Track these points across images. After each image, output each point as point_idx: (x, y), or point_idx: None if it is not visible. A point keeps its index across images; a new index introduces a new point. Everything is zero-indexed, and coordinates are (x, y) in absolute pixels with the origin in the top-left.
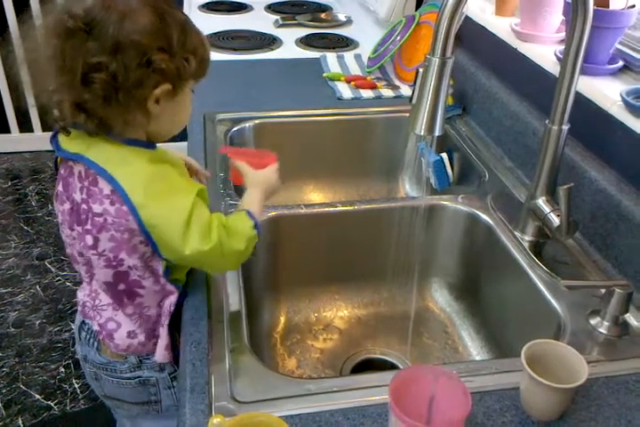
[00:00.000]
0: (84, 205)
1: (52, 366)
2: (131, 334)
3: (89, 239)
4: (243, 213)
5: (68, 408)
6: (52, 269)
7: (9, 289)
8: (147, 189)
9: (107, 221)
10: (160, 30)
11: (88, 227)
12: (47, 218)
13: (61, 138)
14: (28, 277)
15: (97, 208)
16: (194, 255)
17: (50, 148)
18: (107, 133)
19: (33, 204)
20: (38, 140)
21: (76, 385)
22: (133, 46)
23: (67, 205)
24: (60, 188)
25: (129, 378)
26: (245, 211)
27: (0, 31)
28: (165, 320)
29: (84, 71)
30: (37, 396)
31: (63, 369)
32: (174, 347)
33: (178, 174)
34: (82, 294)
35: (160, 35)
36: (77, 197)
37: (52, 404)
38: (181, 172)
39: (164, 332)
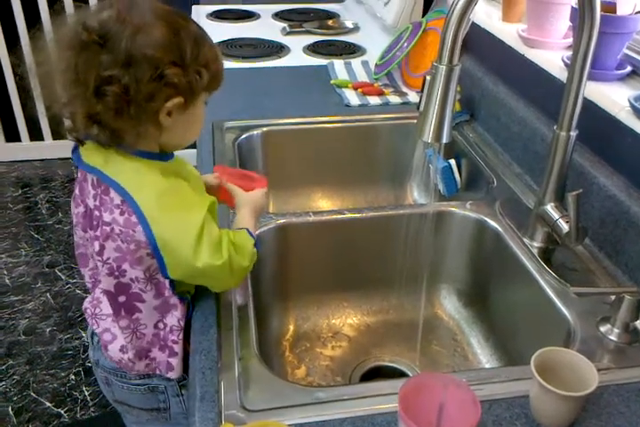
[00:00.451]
0: (96, 212)
1: (63, 374)
2: (122, 349)
3: (96, 245)
4: (244, 232)
5: (78, 416)
6: (63, 277)
7: (19, 297)
8: (160, 203)
9: (113, 231)
10: (173, 44)
11: (97, 233)
12: (57, 226)
13: (82, 151)
14: (39, 284)
15: (107, 217)
16: (205, 269)
17: (60, 156)
18: (118, 145)
19: (43, 212)
20: (48, 148)
21: (87, 393)
22: (146, 60)
23: (81, 209)
24: (76, 191)
25: (138, 385)
26: (246, 229)
27: (11, 42)
28: (179, 335)
29: (96, 84)
30: (48, 403)
31: (73, 377)
32: (184, 356)
33: (190, 188)
34: (86, 301)
35: (173, 48)
36: (90, 203)
37: (63, 411)
38: (195, 184)
39: (178, 348)
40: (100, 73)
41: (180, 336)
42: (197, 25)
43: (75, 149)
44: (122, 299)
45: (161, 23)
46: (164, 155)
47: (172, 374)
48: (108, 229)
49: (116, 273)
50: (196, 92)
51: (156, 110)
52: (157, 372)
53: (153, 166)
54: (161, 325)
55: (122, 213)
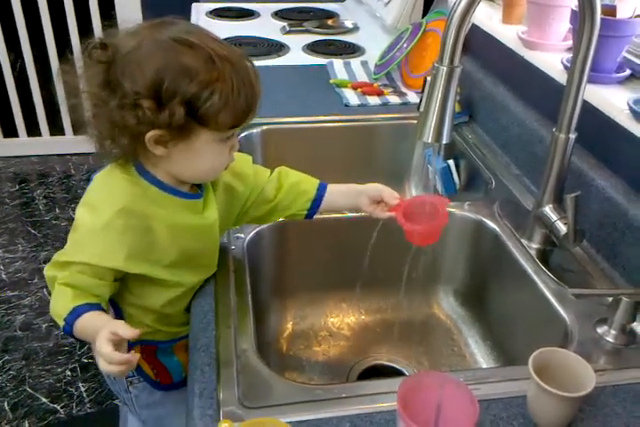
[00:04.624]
0: None
1: (59, 370)
2: None
3: None
4: (68, 308)
5: (74, 412)
6: None
7: (16, 292)
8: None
9: None
10: (155, 79)
11: None
12: (54, 222)
13: None
14: (35, 280)
15: None
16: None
17: (57, 152)
18: (136, 165)
19: (40, 208)
20: (46, 144)
21: (82, 389)
22: (123, 88)
23: None
24: None
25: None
26: (73, 310)
27: (10, 39)
28: None
29: (92, 100)
30: (44, 399)
31: (69, 372)
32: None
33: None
34: None
35: (154, 83)
36: None
37: (59, 407)
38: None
39: None
40: (95, 90)
41: None
42: (212, 59)
43: None
44: None
45: (159, 55)
46: (176, 190)
47: None
48: None
49: None
50: (181, 128)
51: (139, 138)
52: None
53: (136, 190)
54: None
55: None
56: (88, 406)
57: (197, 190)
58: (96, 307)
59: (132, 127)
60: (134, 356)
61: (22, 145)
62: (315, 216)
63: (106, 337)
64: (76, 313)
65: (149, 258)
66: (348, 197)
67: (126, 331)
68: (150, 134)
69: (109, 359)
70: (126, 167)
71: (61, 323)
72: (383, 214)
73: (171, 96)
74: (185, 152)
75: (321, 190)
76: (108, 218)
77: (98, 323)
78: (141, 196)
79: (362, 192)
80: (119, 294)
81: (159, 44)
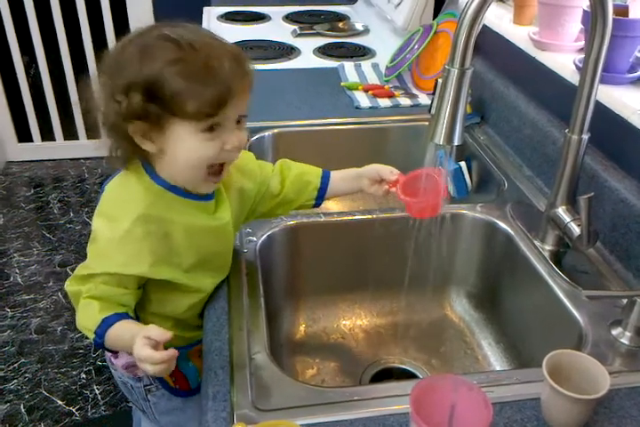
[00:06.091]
0: None
1: (74, 373)
2: None
3: None
4: (98, 320)
5: (89, 414)
6: None
7: (31, 296)
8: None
9: None
10: (120, 66)
11: None
12: (69, 225)
13: None
14: (50, 283)
15: None
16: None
17: (71, 156)
18: (148, 171)
19: (55, 211)
20: (60, 148)
21: (97, 391)
22: (107, 84)
23: None
24: None
25: (118, 376)
26: (103, 322)
27: (25, 45)
28: None
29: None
30: (59, 402)
31: (84, 375)
32: None
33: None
34: None
35: (122, 72)
36: None
37: (74, 410)
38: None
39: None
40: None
41: None
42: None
43: None
44: None
45: (128, 46)
46: (187, 192)
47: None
48: None
49: None
50: (156, 118)
51: (127, 135)
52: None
53: (151, 196)
54: None
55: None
56: (103, 408)
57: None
58: (125, 316)
59: (115, 123)
60: (173, 351)
61: (37, 150)
62: (326, 219)
63: (142, 343)
64: (106, 324)
65: (171, 262)
66: (350, 181)
67: (159, 334)
68: (131, 128)
69: (152, 360)
70: (139, 174)
71: (91, 336)
72: (384, 191)
73: (130, 82)
74: (172, 148)
75: (325, 179)
76: (127, 227)
77: (132, 331)
78: (157, 201)
79: (361, 175)
80: (137, 304)
81: (132, 38)
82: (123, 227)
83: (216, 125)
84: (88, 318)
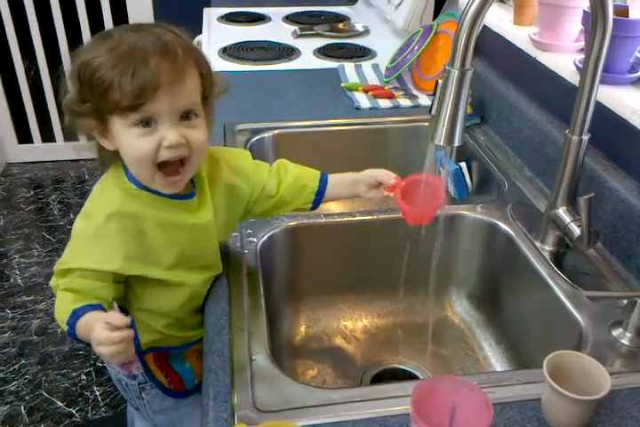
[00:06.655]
0: None
1: (74, 374)
2: None
3: None
4: (69, 310)
5: (89, 416)
6: None
7: (32, 297)
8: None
9: None
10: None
11: None
12: (69, 227)
13: None
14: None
15: None
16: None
17: (71, 157)
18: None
19: (55, 213)
20: (60, 149)
21: (97, 393)
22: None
23: None
24: None
25: (114, 374)
26: (74, 312)
27: (25, 47)
28: None
29: None
30: (59, 403)
31: (85, 377)
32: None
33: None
34: None
35: (75, 71)
36: None
37: (74, 411)
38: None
39: None
40: None
41: None
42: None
43: None
44: None
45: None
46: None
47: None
48: None
49: None
50: (97, 114)
51: (82, 128)
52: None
53: (126, 195)
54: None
55: None
56: (103, 409)
57: (191, 189)
58: (97, 307)
59: (77, 123)
60: (129, 331)
61: (37, 151)
62: (326, 220)
63: (101, 327)
64: (76, 315)
65: (148, 259)
66: (347, 187)
67: (118, 318)
68: (85, 126)
69: (109, 341)
70: (118, 173)
71: (65, 327)
72: (382, 195)
73: (72, 72)
74: (118, 144)
75: (323, 182)
76: (100, 222)
77: (94, 318)
78: (132, 199)
79: (358, 181)
80: (128, 301)
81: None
82: (96, 222)
83: (151, 121)
84: (61, 309)
